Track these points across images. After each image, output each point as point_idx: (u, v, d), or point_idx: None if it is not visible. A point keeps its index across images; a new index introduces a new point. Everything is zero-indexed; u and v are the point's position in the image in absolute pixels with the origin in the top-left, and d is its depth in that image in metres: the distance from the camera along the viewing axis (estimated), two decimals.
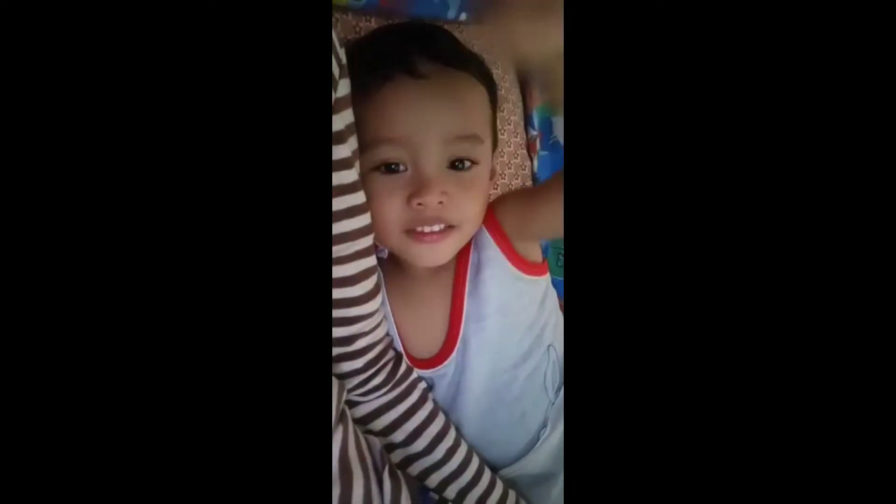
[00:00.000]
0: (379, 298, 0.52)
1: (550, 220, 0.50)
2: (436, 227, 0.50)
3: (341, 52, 0.44)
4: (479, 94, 0.54)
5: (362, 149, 0.48)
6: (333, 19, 0.45)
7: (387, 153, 0.49)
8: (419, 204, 0.48)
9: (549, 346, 0.56)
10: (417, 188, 0.48)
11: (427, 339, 0.56)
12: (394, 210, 0.49)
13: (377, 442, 0.50)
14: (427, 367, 0.56)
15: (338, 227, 0.46)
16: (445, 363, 0.55)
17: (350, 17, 0.63)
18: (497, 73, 0.69)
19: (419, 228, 0.50)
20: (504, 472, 0.56)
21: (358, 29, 0.63)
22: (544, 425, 0.56)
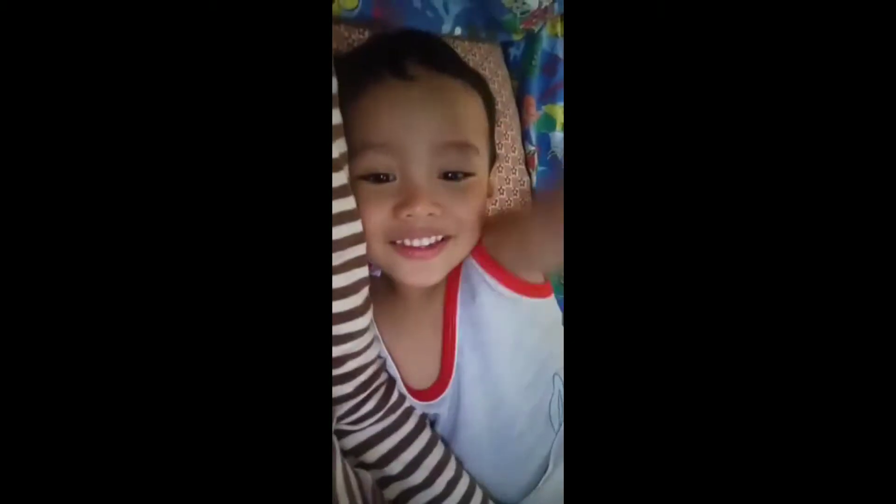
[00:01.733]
0: (370, 314, 0.48)
1: (550, 253, 0.41)
2: (425, 241, 0.46)
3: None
4: (473, 103, 0.51)
5: (349, 155, 0.45)
6: None
7: (374, 161, 0.45)
8: (408, 215, 0.45)
9: (553, 374, 0.50)
10: (406, 198, 0.45)
11: (422, 368, 0.51)
12: (378, 219, 0.45)
13: (369, 478, 0.45)
14: (424, 399, 0.51)
15: None
16: (441, 396, 0.50)
17: (343, 28, 0.61)
18: (493, 87, 0.67)
19: (408, 242, 0.46)
20: None
21: (351, 41, 0.62)
22: (549, 460, 0.50)
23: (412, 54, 0.47)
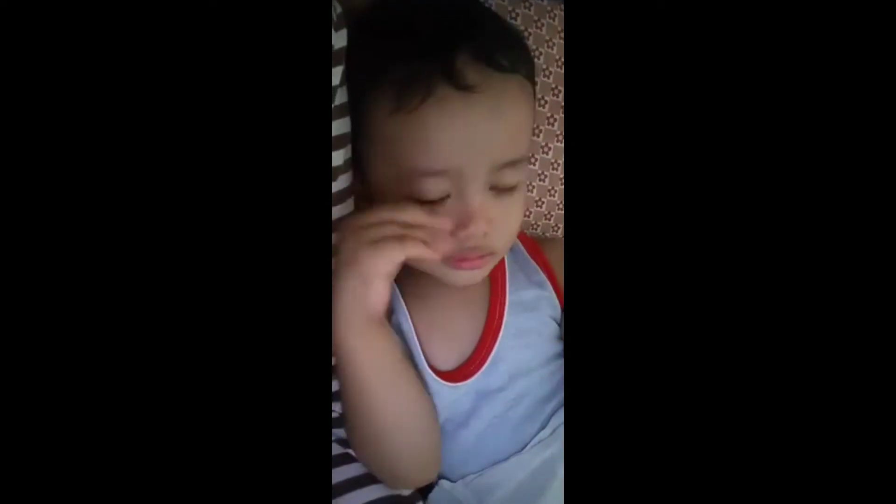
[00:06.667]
0: None
1: None
2: (477, 255, 0.45)
3: (338, 36, 0.38)
4: (529, 100, 0.46)
5: (397, 179, 0.42)
6: None
7: (429, 189, 0.42)
8: (465, 236, 0.43)
9: None
10: (462, 219, 0.42)
11: (450, 349, 0.50)
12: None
13: None
14: (450, 381, 0.49)
15: None
16: (468, 380, 0.49)
17: None
18: (552, 52, 0.58)
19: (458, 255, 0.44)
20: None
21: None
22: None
23: (465, 48, 0.41)
